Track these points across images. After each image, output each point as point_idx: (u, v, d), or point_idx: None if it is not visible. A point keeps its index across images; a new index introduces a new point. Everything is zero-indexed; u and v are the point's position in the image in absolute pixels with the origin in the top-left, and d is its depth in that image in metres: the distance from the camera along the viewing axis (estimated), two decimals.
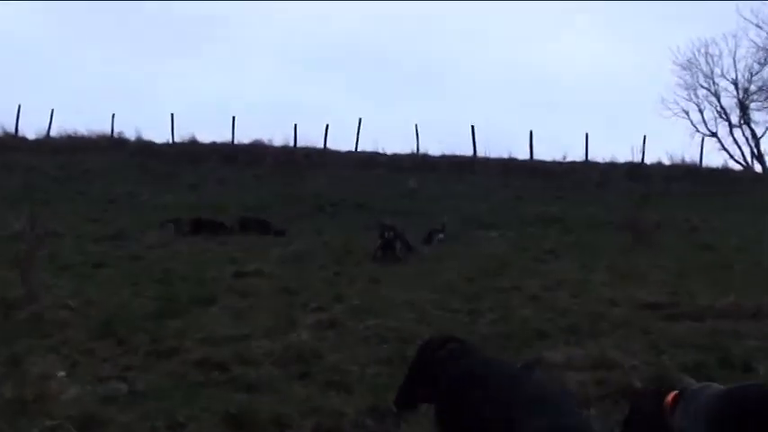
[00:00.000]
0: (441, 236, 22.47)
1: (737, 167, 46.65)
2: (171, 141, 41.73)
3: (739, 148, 49.56)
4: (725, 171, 43.75)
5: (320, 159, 40.02)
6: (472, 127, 42.19)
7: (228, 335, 10.32)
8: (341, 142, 42.53)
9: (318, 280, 15.26)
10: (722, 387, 5.17)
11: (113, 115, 41.73)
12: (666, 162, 43.04)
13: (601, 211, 29.44)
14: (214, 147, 40.74)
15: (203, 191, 31.33)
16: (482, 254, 19.26)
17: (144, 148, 40.10)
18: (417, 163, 40.44)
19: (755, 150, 49.01)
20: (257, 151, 40.40)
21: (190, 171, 35.73)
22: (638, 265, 17.16)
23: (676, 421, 5.04)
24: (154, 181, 33.42)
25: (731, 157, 48.75)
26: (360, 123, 42.45)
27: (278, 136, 41.76)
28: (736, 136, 51.20)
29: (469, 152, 42.14)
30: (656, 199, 33.10)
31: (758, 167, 47.68)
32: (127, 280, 14.85)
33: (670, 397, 5.16)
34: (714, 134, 49.70)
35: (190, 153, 39.42)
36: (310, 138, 42.06)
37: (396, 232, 19.38)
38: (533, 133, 42.57)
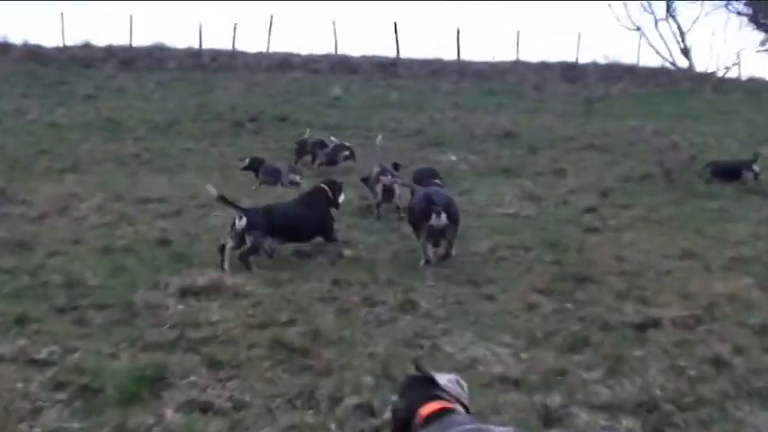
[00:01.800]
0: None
1: (679, 66, 43.49)
2: (62, 45, 36.56)
3: (665, 43, 46.60)
4: (665, 71, 40.51)
5: (229, 62, 35.66)
6: (395, 24, 38.11)
7: None
8: (250, 43, 38.14)
9: None
10: None
11: None
12: (601, 61, 39.55)
13: (551, 120, 26.00)
14: (110, 50, 35.90)
15: (101, 103, 26.80)
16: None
17: (32, 54, 35.02)
18: (335, 65, 36.43)
19: (682, 45, 45.86)
20: (159, 55, 35.73)
21: (84, 79, 31.02)
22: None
23: None
24: (44, 93, 28.75)
25: (657, 52, 45.78)
26: (271, 21, 37.90)
27: (181, 37, 37.03)
28: (661, 30, 49.37)
29: (391, 53, 37.96)
30: (598, 103, 30.38)
31: (684, 63, 44.72)
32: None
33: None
34: (638, 28, 46.37)
35: (83, 58, 34.70)
36: (217, 39, 37.54)
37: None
38: (460, 31, 38.67)
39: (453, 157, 20.09)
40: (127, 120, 24.22)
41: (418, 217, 10.59)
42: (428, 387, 4.06)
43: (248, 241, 10.19)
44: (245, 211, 10.46)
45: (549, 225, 13.26)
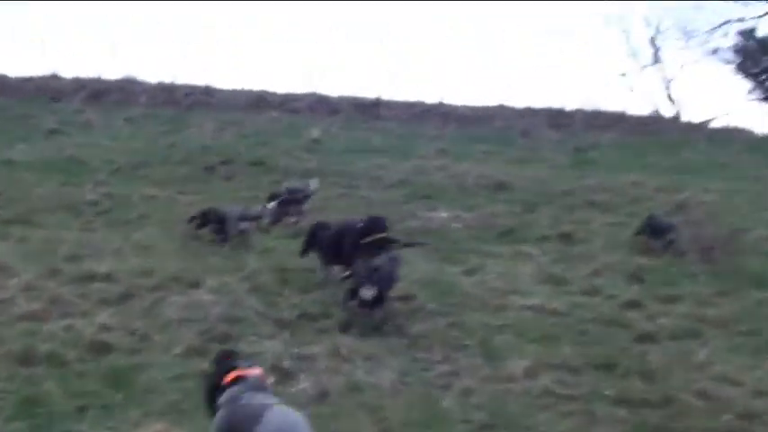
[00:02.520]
0: None
1: (667, 115, 41.74)
2: (28, 76, 34.45)
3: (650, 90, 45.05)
4: (655, 119, 38.77)
5: (204, 99, 33.68)
6: (377, 65, 36.38)
7: None
8: (226, 80, 36.10)
9: None
10: None
11: None
12: (587, 108, 37.77)
13: (543, 171, 24.23)
14: (79, 82, 33.76)
15: (64, 140, 24.80)
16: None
17: None
18: (314, 104, 34.46)
19: (668, 92, 44.29)
20: (130, 88, 33.68)
21: (49, 113, 28.89)
22: None
23: None
24: (4, 126, 26.72)
25: (641, 98, 44.39)
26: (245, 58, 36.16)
27: (154, 71, 35.02)
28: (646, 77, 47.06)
29: (372, 93, 36.09)
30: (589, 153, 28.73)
31: (670, 111, 43.06)
32: None
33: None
34: (623, 74, 44.80)
35: (50, 89, 32.60)
36: (192, 74, 35.56)
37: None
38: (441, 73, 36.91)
39: (444, 214, 18.22)
40: (90, 160, 22.29)
41: None
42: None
43: None
44: None
45: (587, 327, 11.14)
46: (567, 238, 16.50)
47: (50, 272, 12.05)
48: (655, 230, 15.78)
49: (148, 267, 12.23)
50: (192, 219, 15.28)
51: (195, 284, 11.74)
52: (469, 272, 13.40)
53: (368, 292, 10.10)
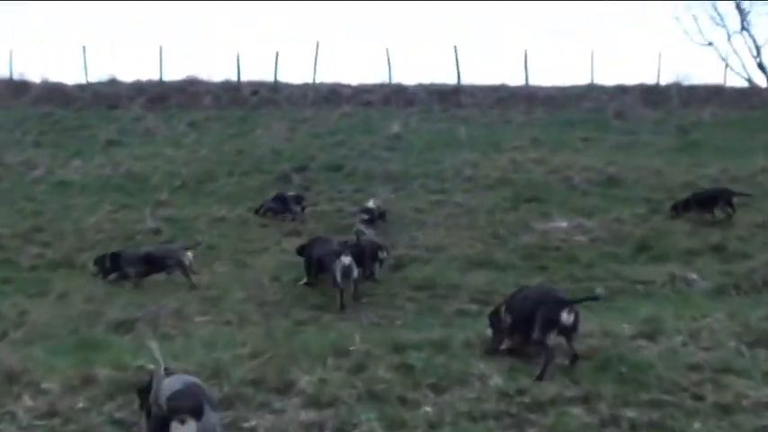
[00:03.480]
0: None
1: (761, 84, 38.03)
2: (85, 82, 32.05)
3: (739, 58, 41.32)
4: (757, 91, 35.11)
5: (271, 96, 30.91)
6: (455, 48, 33.21)
7: None
8: (294, 74, 33.35)
9: None
10: None
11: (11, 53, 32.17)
12: (682, 82, 34.32)
13: (653, 160, 21.07)
14: (138, 87, 31.29)
15: (123, 153, 22.31)
16: None
17: (51, 93, 30.53)
18: (389, 95, 31.51)
19: (758, 60, 40.50)
20: (192, 90, 31.10)
21: (107, 122, 26.42)
22: None
23: None
24: (59, 140, 24.32)
25: (730, 68, 40.33)
26: (317, 49, 33.20)
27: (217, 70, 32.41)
28: (734, 45, 43.26)
29: (450, 80, 33.05)
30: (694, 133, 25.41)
31: (761, 79, 39.34)
32: None
33: None
34: (710, 44, 41.07)
35: (108, 96, 30.13)
36: (257, 70, 32.87)
37: None
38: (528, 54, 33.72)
39: (563, 224, 15.20)
40: (150, 175, 19.79)
41: None
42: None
43: None
44: None
45: None
46: (726, 254, 13.34)
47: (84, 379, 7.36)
48: None
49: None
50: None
51: None
52: (645, 332, 8.31)
53: None
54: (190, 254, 12.75)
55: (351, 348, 7.68)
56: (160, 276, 12.82)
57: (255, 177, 19.51)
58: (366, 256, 12.39)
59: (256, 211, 16.74)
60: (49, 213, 16.55)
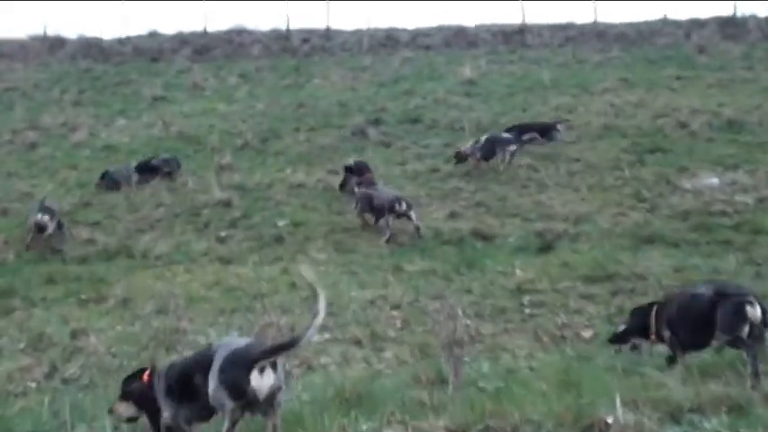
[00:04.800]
0: None
1: None
2: (124, 36, 29.35)
3: None
4: None
5: (323, 43, 28.14)
6: None
7: None
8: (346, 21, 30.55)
9: None
10: None
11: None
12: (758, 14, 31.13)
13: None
14: (181, 38, 28.57)
15: (171, 110, 19.73)
16: None
17: (89, 48, 27.90)
18: (449, 37, 28.63)
19: None
20: (239, 40, 28.35)
21: (150, 77, 23.80)
22: None
23: None
24: (101, 98, 21.73)
25: None
26: None
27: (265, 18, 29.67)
28: None
29: (512, 19, 30.05)
30: None
31: None
32: None
33: None
34: None
35: (149, 50, 27.48)
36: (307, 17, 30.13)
37: None
38: None
39: (713, 179, 12.33)
40: (206, 134, 17.11)
41: None
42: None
43: None
44: None
45: None
46: None
47: None
48: None
49: None
50: None
51: None
52: None
53: None
54: None
55: None
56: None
57: (326, 133, 16.80)
58: None
59: (341, 187, 13.28)
60: (90, 189, 14.00)
